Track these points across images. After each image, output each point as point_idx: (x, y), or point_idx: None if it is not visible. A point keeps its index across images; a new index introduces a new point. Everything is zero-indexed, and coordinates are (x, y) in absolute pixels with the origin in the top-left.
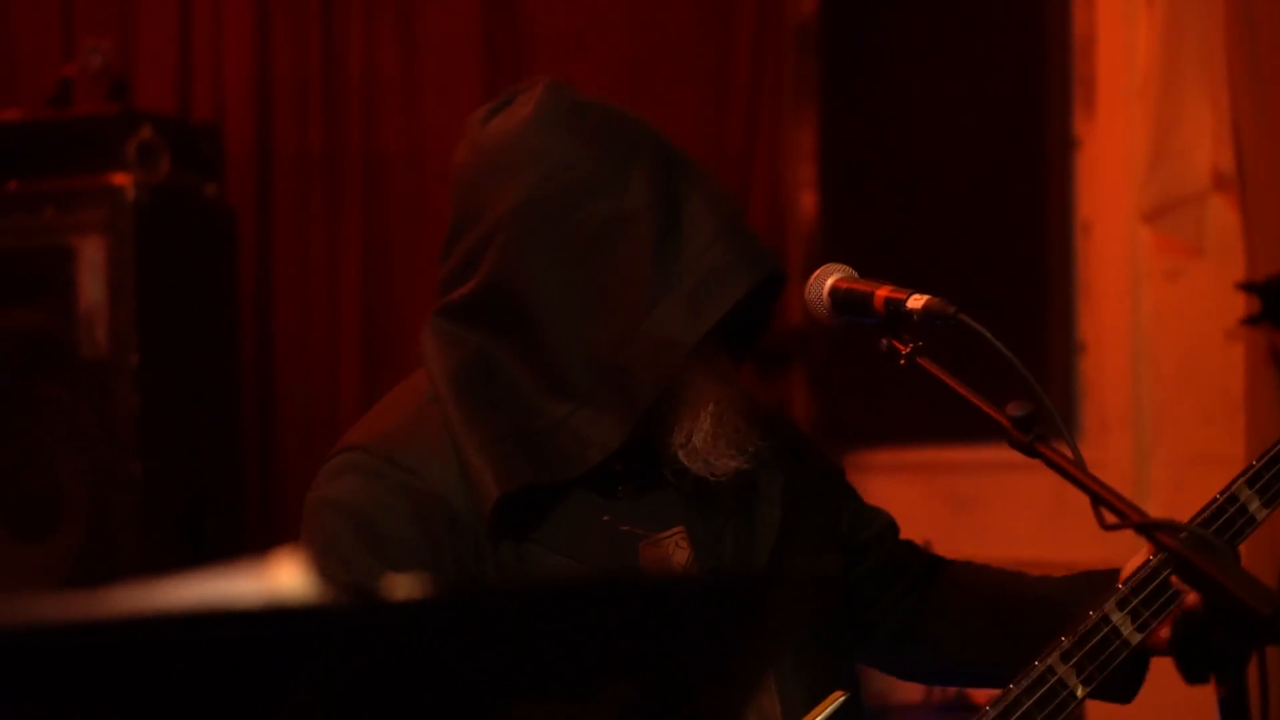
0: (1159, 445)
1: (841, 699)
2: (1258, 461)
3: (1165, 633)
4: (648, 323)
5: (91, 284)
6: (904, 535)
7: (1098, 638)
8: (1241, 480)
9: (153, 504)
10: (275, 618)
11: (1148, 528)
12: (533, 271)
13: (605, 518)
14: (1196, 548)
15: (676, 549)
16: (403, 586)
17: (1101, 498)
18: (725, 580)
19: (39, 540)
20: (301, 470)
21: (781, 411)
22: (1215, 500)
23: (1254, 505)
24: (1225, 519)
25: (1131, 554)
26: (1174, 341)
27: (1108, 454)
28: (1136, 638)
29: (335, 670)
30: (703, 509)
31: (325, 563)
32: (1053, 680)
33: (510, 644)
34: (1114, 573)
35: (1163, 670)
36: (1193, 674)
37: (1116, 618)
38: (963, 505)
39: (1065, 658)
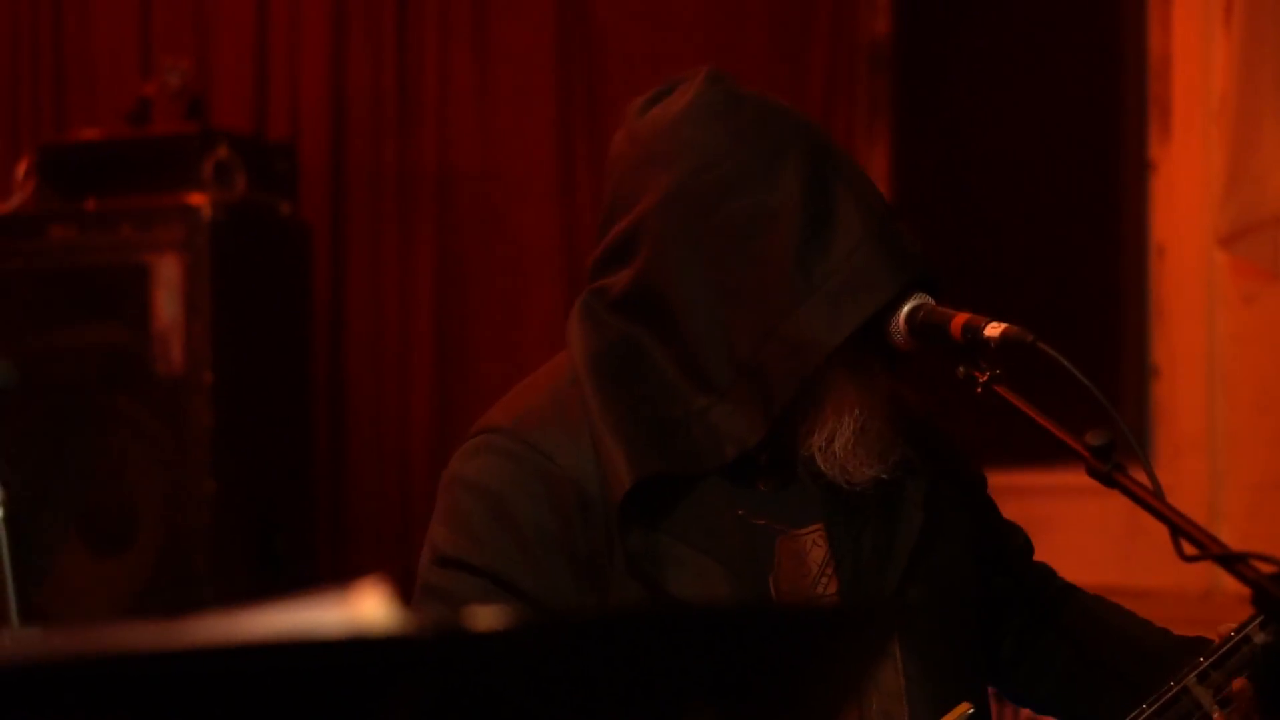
0: (1233, 471)
1: (969, 711)
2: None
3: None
4: (789, 322)
5: (167, 302)
6: None
7: (1237, 658)
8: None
9: (226, 520)
10: (358, 648)
11: (1227, 559)
12: (677, 264)
13: (740, 512)
14: (1277, 580)
15: (814, 546)
16: (485, 617)
17: (1182, 529)
18: (804, 611)
19: (114, 556)
20: (373, 486)
21: (931, 416)
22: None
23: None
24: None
25: (1207, 582)
26: (1249, 366)
27: (1181, 479)
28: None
29: (417, 701)
30: (842, 508)
31: (457, 541)
32: (1188, 701)
33: (591, 673)
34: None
35: None
36: (1273, 710)
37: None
38: (1035, 529)
39: (1201, 678)
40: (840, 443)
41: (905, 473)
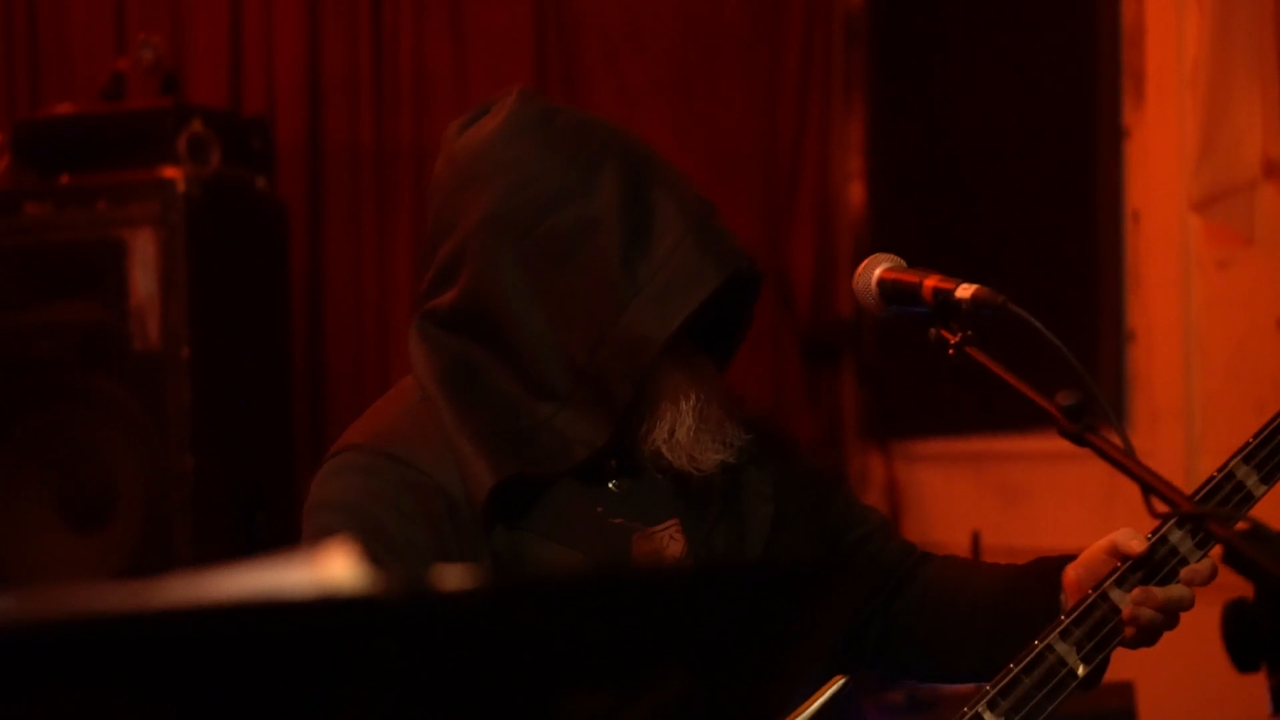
0: (1209, 435)
1: (841, 681)
2: (1254, 439)
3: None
4: (619, 324)
5: (143, 278)
6: (953, 526)
7: (1096, 615)
8: (1238, 458)
9: (205, 497)
10: (325, 608)
11: (1199, 517)
12: (503, 281)
13: (598, 509)
14: (1249, 537)
15: (671, 541)
16: (452, 577)
17: (1153, 487)
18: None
19: (93, 533)
20: None
21: (767, 412)
22: (1212, 478)
23: (1251, 481)
24: (1222, 496)
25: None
26: (1224, 331)
27: (1158, 444)
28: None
29: (385, 661)
30: (694, 503)
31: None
32: (1052, 659)
33: (560, 634)
34: (1066, 559)
35: (1214, 659)
36: (1244, 663)
37: (1115, 595)
38: (1013, 496)
39: (1064, 635)
40: (682, 431)
41: (750, 462)
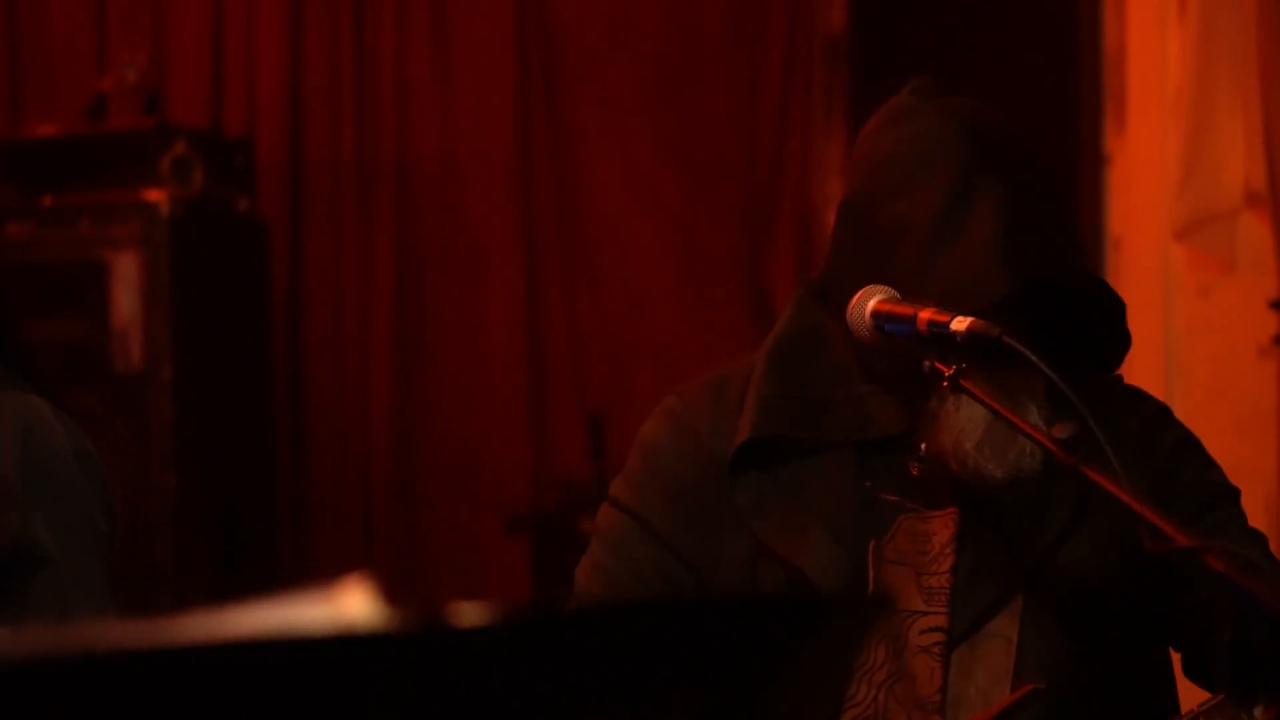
0: None
1: (1031, 689)
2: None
3: None
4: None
5: (125, 297)
6: None
7: None
8: None
9: (187, 514)
10: (344, 645)
11: (1194, 551)
12: (846, 264)
13: (867, 484)
14: (1243, 570)
15: (943, 528)
16: (469, 613)
17: (1149, 520)
18: (788, 600)
19: None
20: (334, 479)
21: (1142, 419)
22: None
23: None
24: None
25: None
26: (1205, 357)
27: None
28: None
29: (403, 696)
30: (982, 498)
31: (618, 484)
32: None
33: (575, 666)
34: None
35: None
36: (1241, 696)
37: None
38: None
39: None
40: (969, 440)
41: (1050, 473)
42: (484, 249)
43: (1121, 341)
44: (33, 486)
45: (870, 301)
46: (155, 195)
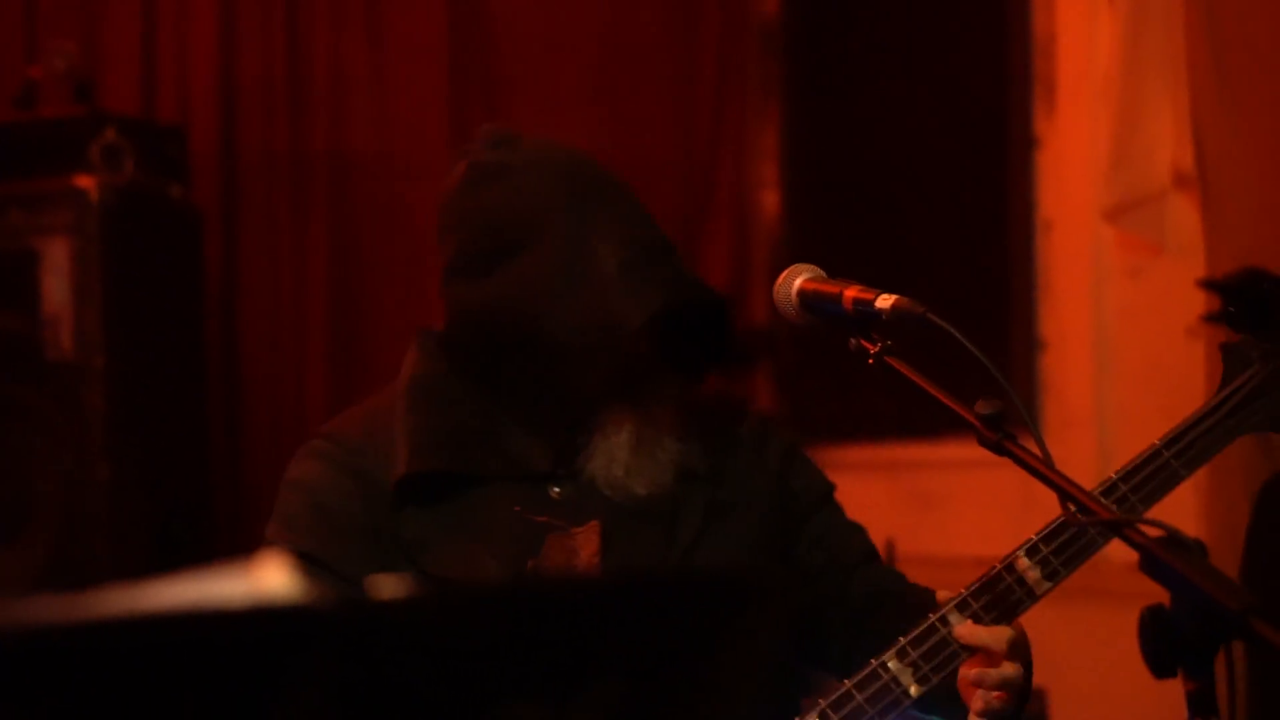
0: (1121, 442)
1: None
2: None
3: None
4: (558, 369)
5: (56, 287)
6: (869, 533)
7: (934, 639)
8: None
9: (121, 505)
10: (261, 618)
11: (1115, 524)
12: (471, 320)
13: (516, 508)
14: (1165, 544)
15: (587, 542)
16: (389, 587)
17: (1070, 494)
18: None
19: (7, 542)
20: (269, 470)
21: (762, 421)
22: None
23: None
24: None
25: (1099, 551)
26: (1136, 339)
27: (1070, 451)
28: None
29: (322, 671)
30: (624, 511)
31: (279, 531)
32: (886, 678)
33: (496, 644)
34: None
35: (1127, 665)
36: (1161, 669)
37: (954, 619)
38: (929, 502)
39: (900, 656)
40: (618, 466)
41: (689, 481)
42: (419, 243)
43: (730, 345)
44: None
45: (796, 280)
46: (85, 182)
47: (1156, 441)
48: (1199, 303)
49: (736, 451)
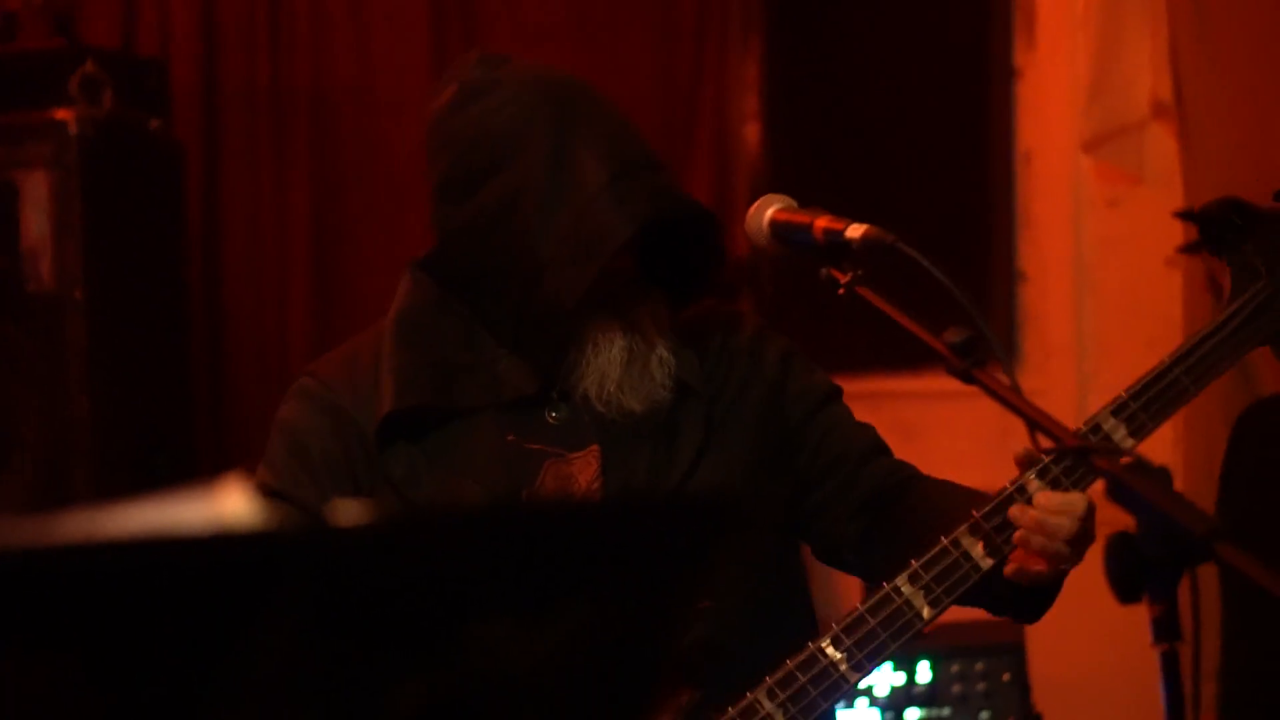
0: (1100, 371)
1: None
2: (1126, 392)
3: (1032, 564)
4: (539, 288)
5: (36, 219)
6: None
7: (947, 561)
8: (1106, 410)
9: (103, 438)
10: (225, 544)
11: (1082, 451)
12: (458, 242)
13: (510, 437)
14: (1131, 470)
15: (585, 467)
16: (351, 512)
17: (1038, 423)
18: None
19: None
20: (252, 403)
21: (757, 333)
22: (1078, 430)
23: (1119, 435)
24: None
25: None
26: (1114, 269)
27: (1050, 381)
28: (988, 563)
29: (287, 595)
30: (621, 432)
31: (262, 471)
32: (899, 601)
33: (460, 566)
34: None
35: (1096, 590)
36: (1126, 594)
37: (967, 542)
38: (908, 434)
39: (913, 579)
40: (609, 382)
41: (686, 396)
42: (400, 174)
43: (719, 262)
44: None
45: (768, 211)
46: (64, 115)
47: (1165, 358)
48: (1177, 232)
49: (733, 363)
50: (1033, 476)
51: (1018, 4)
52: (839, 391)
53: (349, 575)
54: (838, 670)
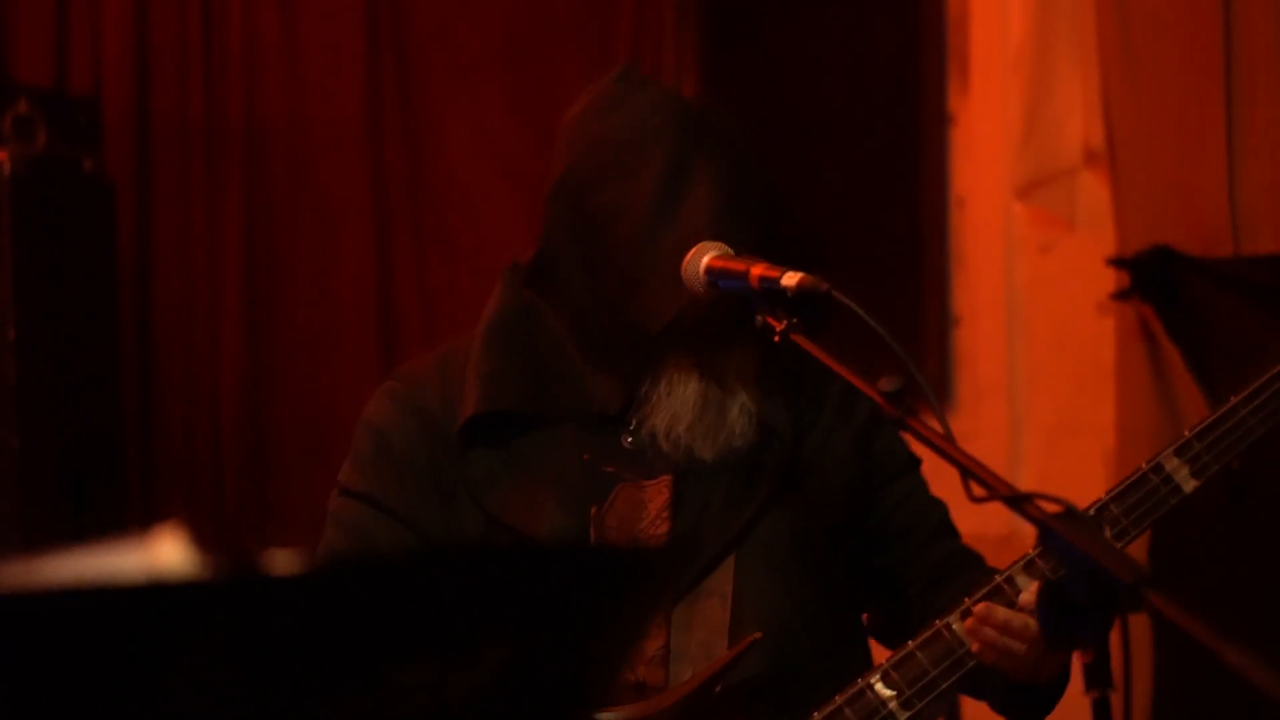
0: (1032, 414)
1: (750, 640)
2: (1189, 432)
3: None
4: (627, 309)
5: None
6: None
7: (999, 602)
8: (1169, 450)
9: (32, 476)
10: (156, 593)
11: (1015, 500)
12: (561, 246)
13: (586, 456)
14: (1061, 518)
15: (658, 494)
16: (281, 561)
17: (971, 471)
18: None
19: None
20: (182, 443)
21: (838, 390)
22: (1139, 469)
23: (1181, 475)
24: (1150, 488)
25: (1008, 526)
26: (1046, 313)
27: (982, 423)
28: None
29: (215, 644)
30: (699, 469)
31: (349, 471)
32: (950, 638)
33: (387, 611)
34: None
35: None
36: (1058, 641)
37: (1021, 580)
38: None
39: (965, 617)
40: (681, 424)
41: (769, 439)
42: (334, 210)
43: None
44: None
45: (705, 257)
46: None
47: (1233, 398)
48: (1108, 277)
49: (821, 411)
50: (1020, 570)
51: (951, 49)
52: (919, 463)
53: (272, 622)
54: (886, 707)
